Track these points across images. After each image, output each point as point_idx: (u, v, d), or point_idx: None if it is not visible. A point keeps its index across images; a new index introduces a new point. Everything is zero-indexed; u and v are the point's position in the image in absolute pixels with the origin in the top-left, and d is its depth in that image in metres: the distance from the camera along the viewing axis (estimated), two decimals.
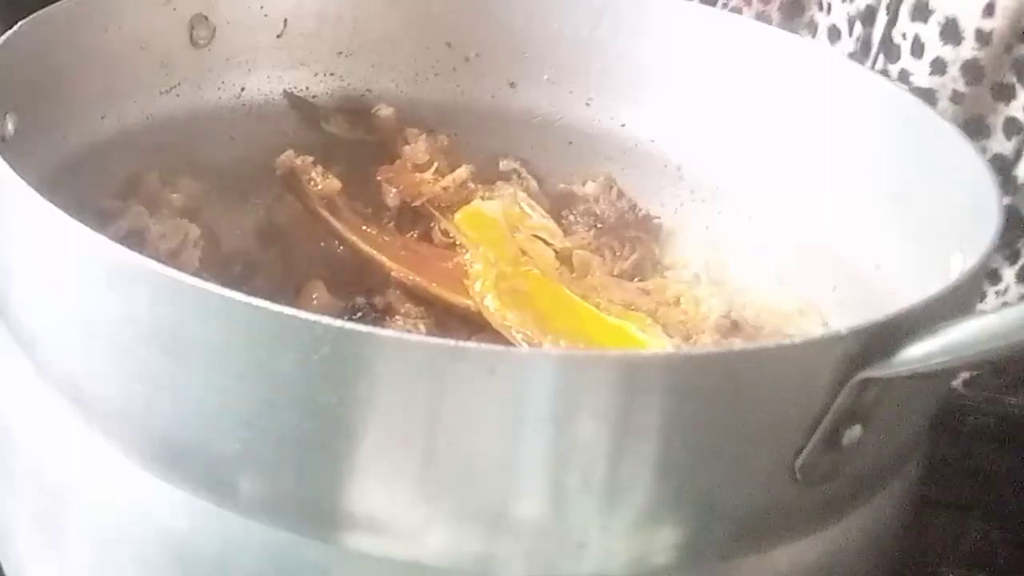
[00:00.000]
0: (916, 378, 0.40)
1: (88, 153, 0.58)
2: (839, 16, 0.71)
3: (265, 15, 0.64)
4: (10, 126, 0.51)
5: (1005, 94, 0.67)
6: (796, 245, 0.61)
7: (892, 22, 0.68)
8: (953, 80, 0.67)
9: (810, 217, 0.61)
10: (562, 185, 0.67)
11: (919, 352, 0.39)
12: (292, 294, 0.58)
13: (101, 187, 0.59)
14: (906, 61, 0.68)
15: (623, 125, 0.66)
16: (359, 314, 0.56)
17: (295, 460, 0.40)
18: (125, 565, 0.44)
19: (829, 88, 0.60)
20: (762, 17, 0.74)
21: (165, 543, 0.43)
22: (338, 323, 0.37)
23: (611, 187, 0.66)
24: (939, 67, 0.67)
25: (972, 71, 0.67)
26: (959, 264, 0.46)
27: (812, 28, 0.73)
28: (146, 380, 0.41)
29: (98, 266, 0.41)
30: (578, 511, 0.40)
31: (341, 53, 0.66)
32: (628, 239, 0.65)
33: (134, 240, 0.56)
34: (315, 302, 0.57)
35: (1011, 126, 0.68)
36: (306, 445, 0.39)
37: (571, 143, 0.67)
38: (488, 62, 0.66)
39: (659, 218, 0.66)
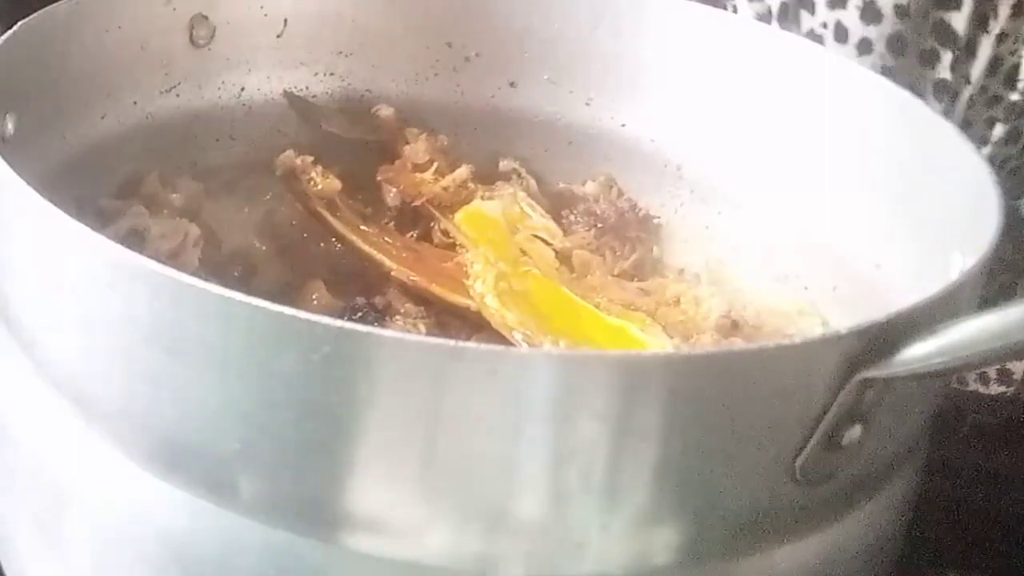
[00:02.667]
0: (916, 378, 0.41)
1: (88, 153, 0.58)
2: (745, 15, 0.73)
3: (265, 15, 0.64)
4: (10, 126, 0.51)
5: (930, 59, 0.70)
6: (796, 245, 0.61)
7: (811, 13, 0.70)
8: (881, 56, 0.69)
9: (810, 217, 0.61)
10: (562, 185, 0.67)
11: (919, 352, 0.39)
12: (292, 294, 0.58)
13: (101, 187, 0.59)
14: (831, 49, 0.69)
15: (623, 125, 0.66)
16: (359, 314, 0.56)
17: (295, 460, 0.40)
18: (125, 565, 0.44)
19: (829, 88, 0.60)
20: None
21: (165, 543, 0.43)
22: (338, 323, 0.37)
23: (611, 187, 0.66)
24: (865, 47, 0.69)
25: (896, 44, 0.69)
26: (959, 264, 0.46)
27: None
28: (146, 380, 0.41)
29: (98, 266, 0.41)
30: (578, 511, 0.40)
31: (341, 53, 0.66)
32: (628, 239, 0.65)
33: (134, 240, 0.56)
34: (315, 302, 0.57)
35: (940, 88, 0.71)
36: (306, 445, 0.40)
37: (571, 143, 0.67)
38: (488, 62, 0.66)
39: (659, 218, 0.66)
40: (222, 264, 0.60)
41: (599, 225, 0.65)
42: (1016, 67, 0.70)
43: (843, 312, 0.59)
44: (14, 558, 0.49)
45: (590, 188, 0.66)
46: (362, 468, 0.40)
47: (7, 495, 0.48)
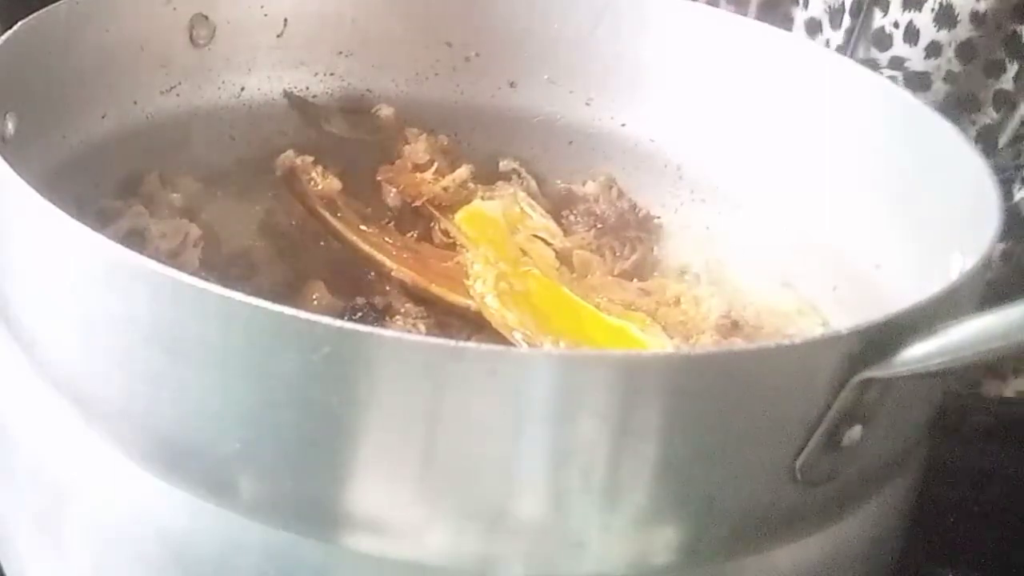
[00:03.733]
0: (916, 378, 0.40)
1: (88, 153, 0.58)
2: (818, 9, 0.72)
3: (265, 15, 0.64)
4: (10, 126, 0.51)
5: (995, 69, 0.70)
6: (796, 245, 0.61)
7: (883, 12, 0.69)
8: (948, 62, 0.69)
9: (810, 217, 0.61)
10: (562, 185, 0.67)
11: (919, 352, 0.39)
12: (292, 294, 0.58)
13: (101, 187, 0.59)
14: (899, 48, 0.69)
15: (623, 125, 0.66)
16: (359, 314, 0.56)
17: (295, 460, 0.40)
18: (125, 565, 0.44)
19: (829, 88, 0.60)
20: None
21: (165, 543, 0.43)
22: (338, 323, 0.37)
23: (611, 187, 0.66)
24: (934, 51, 0.69)
25: (966, 51, 0.69)
26: (959, 264, 0.46)
27: (787, 22, 0.74)
28: (146, 380, 0.41)
29: (98, 266, 0.41)
30: (578, 511, 0.40)
31: (341, 53, 0.66)
32: (628, 239, 0.65)
33: (134, 240, 0.56)
34: (315, 302, 0.57)
35: (1000, 98, 0.70)
36: (306, 445, 0.40)
37: (571, 143, 0.67)
38: (488, 62, 0.66)
39: (659, 218, 0.66)
40: (222, 264, 0.60)
41: (599, 225, 0.65)
42: None
43: (843, 312, 0.59)
44: (14, 558, 0.49)
45: (590, 188, 0.66)
46: (362, 468, 0.40)
47: (7, 495, 0.48)
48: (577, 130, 0.67)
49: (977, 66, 0.69)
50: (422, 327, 0.57)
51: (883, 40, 0.70)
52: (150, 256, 0.40)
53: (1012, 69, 0.69)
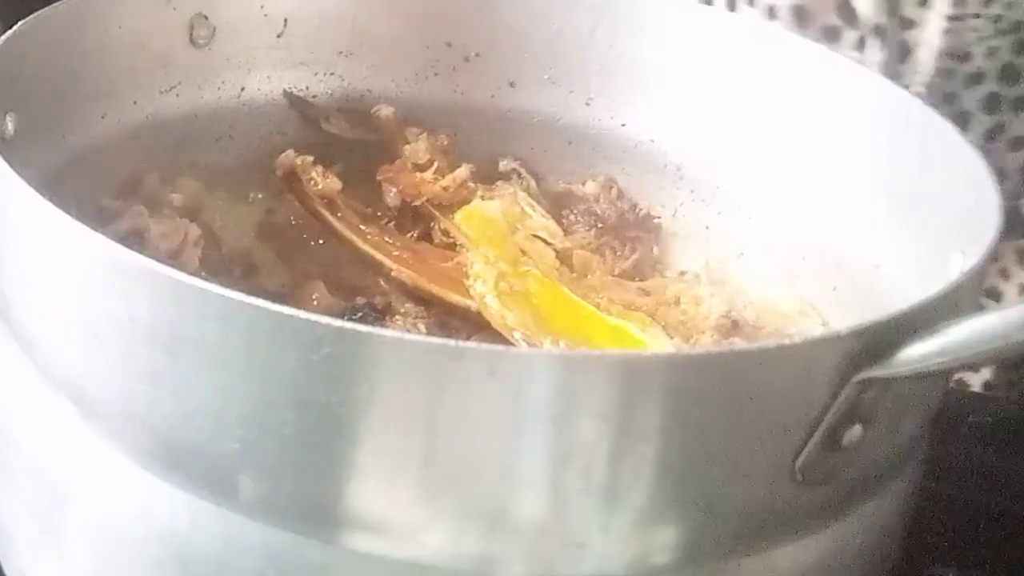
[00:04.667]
0: (916, 378, 0.41)
1: (88, 153, 0.57)
2: None
3: (265, 15, 0.64)
4: (10, 126, 0.51)
5: (832, 36, 0.70)
6: (796, 245, 0.61)
7: None
8: (786, 25, 0.70)
9: (810, 217, 0.61)
10: (562, 185, 0.67)
11: (919, 352, 0.39)
12: (292, 294, 0.58)
13: (101, 187, 0.59)
14: (743, 11, 0.71)
15: (623, 125, 0.66)
16: (359, 314, 0.56)
17: (295, 460, 0.40)
18: (125, 565, 0.44)
19: (829, 88, 0.60)
20: None
21: (165, 543, 0.43)
22: (338, 323, 0.37)
23: (611, 187, 0.66)
24: (771, 13, 0.70)
25: (800, 16, 0.70)
26: (959, 264, 0.46)
27: None
28: (147, 380, 0.41)
29: (98, 266, 0.41)
30: (578, 511, 0.40)
31: (341, 53, 0.66)
32: (628, 239, 0.65)
33: (134, 240, 0.56)
34: (315, 302, 0.57)
35: None
36: (306, 445, 0.40)
37: (571, 143, 0.67)
38: (488, 62, 0.66)
39: (659, 218, 0.66)
40: (222, 264, 0.60)
41: (599, 225, 0.65)
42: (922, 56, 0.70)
43: (843, 312, 0.58)
44: (14, 558, 0.49)
45: (590, 188, 0.66)
46: (362, 468, 0.40)
47: (7, 495, 0.48)
48: (577, 130, 0.67)
49: (816, 32, 0.69)
50: (422, 327, 0.57)
51: (730, 4, 0.70)
52: (150, 256, 0.40)
53: (850, 37, 0.69)
